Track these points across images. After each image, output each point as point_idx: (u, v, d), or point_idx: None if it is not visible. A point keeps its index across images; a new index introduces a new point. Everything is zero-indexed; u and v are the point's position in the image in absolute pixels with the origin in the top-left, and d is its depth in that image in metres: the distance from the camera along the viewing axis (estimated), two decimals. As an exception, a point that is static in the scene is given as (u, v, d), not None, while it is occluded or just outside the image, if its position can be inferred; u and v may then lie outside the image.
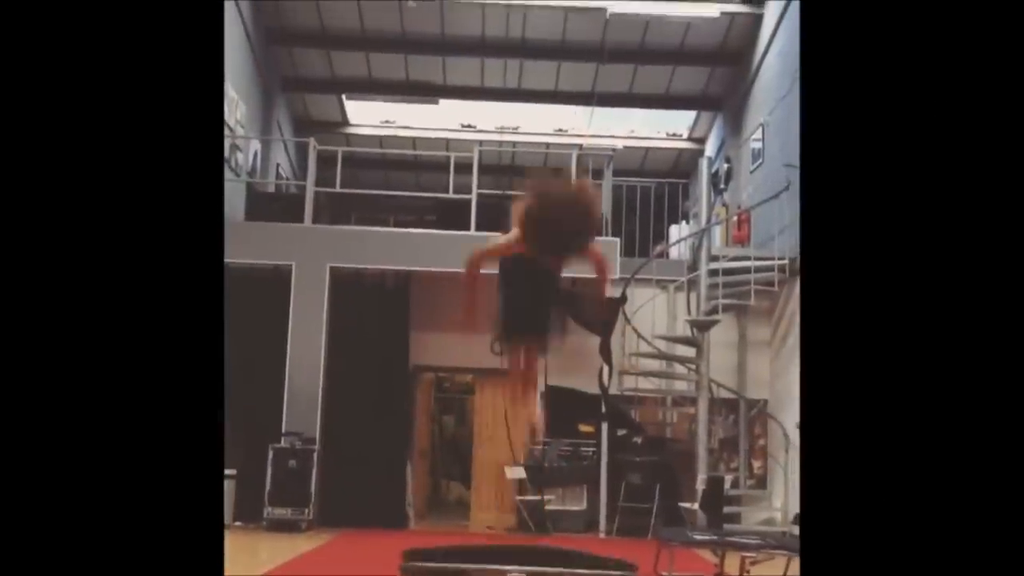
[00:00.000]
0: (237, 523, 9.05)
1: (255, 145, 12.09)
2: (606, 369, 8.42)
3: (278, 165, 13.57)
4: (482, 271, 3.48)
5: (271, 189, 12.70)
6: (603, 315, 3.90)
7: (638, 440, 10.19)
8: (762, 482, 10.30)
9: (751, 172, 11.68)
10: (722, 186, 11.68)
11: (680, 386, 10.42)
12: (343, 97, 14.62)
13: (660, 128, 15.28)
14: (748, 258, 9.93)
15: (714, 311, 9.78)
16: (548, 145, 14.70)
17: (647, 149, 15.37)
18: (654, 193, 11.25)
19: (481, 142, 12.44)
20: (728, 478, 9.82)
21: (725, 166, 11.94)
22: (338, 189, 10.57)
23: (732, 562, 5.81)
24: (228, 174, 10.26)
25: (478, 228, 9.78)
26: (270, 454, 9.13)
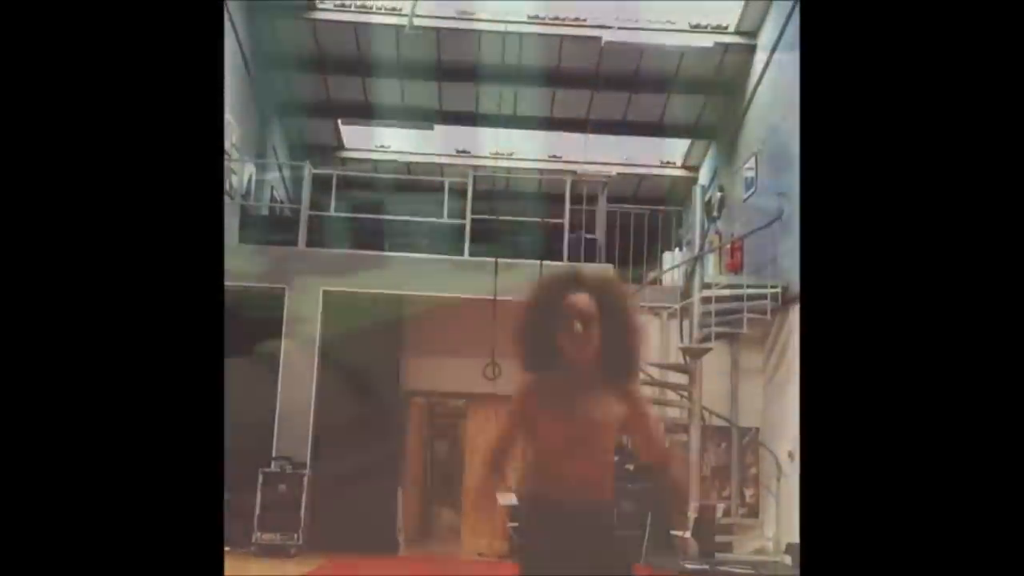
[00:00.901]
0: (225, 548, 8.97)
1: (250, 168, 12.10)
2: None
3: (272, 188, 13.57)
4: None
5: (265, 212, 12.69)
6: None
7: (630, 467, 10.15)
8: (754, 511, 10.25)
9: (744, 200, 11.72)
10: (715, 214, 11.71)
11: (672, 413, 10.38)
12: (339, 122, 14.66)
13: (654, 156, 15.35)
14: (741, 286, 9.94)
15: (707, 339, 9.78)
16: (542, 171, 14.74)
17: (641, 176, 15.42)
18: (648, 220, 11.26)
19: (475, 167, 12.47)
20: (720, 506, 9.77)
21: (718, 194, 11.98)
22: (332, 213, 10.57)
23: (724, 591, 5.78)
24: (223, 197, 10.26)
25: (471, 253, 9.78)
26: (260, 478, 9.06)
